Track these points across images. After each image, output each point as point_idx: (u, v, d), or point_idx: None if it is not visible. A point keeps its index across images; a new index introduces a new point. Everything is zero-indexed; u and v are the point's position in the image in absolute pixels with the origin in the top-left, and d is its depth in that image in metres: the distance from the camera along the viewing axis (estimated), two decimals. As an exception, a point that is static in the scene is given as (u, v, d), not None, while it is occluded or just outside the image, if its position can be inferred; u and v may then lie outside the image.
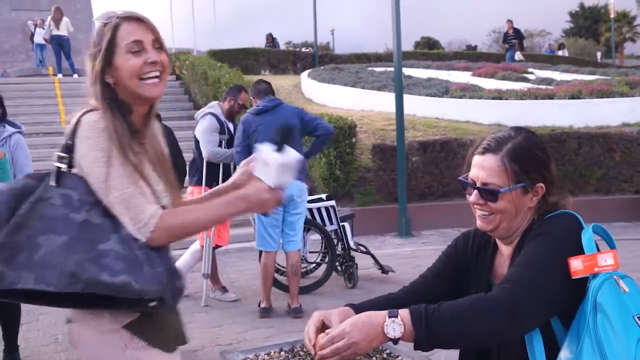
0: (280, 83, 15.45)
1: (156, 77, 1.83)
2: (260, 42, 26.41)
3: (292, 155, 1.85)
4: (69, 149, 1.77)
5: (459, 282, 1.96)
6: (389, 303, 1.89)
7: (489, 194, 1.78)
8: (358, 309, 1.76)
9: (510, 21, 20.96)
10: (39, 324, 5.50)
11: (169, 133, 4.58)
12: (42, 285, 1.61)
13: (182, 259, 6.28)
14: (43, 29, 19.23)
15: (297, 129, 5.47)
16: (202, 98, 14.93)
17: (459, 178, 1.89)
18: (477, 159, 1.83)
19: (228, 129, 6.05)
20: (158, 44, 1.85)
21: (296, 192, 5.44)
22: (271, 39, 22.93)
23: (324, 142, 5.82)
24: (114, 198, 1.71)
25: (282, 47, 29.54)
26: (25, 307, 5.10)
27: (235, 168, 6.15)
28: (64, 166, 1.76)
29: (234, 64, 18.47)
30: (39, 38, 19.63)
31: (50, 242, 1.63)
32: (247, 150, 5.41)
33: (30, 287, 1.62)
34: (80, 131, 1.75)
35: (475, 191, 1.81)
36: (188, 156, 6.24)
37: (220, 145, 5.90)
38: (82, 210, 1.68)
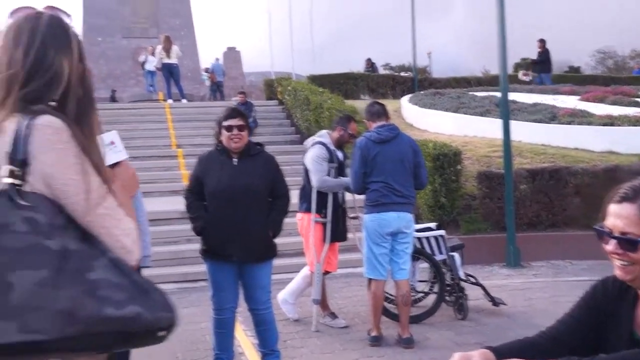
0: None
1: None
2: (357, 64, 26.66)
3: (113, 132, 2.03)
4: (24, 161, 1.48)
5: (597, 330, 1.93)
6: (532, 348, 1.89)
7: (628, 243, 1.75)
8: (499, 352, 1.76)
9: (540, 40, 19.68)
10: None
11: (272, 161, 4.72)
12: (29, 335, 1.34)
13: (294, 283, 6.42)
14: (153, 55, 20.25)
15: (409, 163, 5.50)
16: (304, 123, 15.25)
17: (595, 227, 1.87)
18: (614, 208, 1.80)
19: (337, 157, 6.15)
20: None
21: (404, 223, 5.46)
22: (370, 64, 23.13)
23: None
24: (103, 209, 1.52)
25: (380, 69, 29.70)
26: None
27: (344, 196, 6.24)
28: (18, 182, 1.47)
29: (334, 89, 18.74)
30: (150, 65, 20.67)
31: (24, 280, 1.35)
32: (363, 178, 5.47)
33: (15, 340, 1.33)
34: (41, 137, 1.49)
35: (614, 241, 1.78)
36: (291, 180, 6.38)
37: (329, 174, 6.00)
38: (56, 235, 1.43)
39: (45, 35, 1.64)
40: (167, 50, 18.16)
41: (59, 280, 1.38)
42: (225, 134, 4.50)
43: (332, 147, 6.14)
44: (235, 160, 4.53)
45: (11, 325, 1.32)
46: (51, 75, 1.63)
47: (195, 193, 4.62)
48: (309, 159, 6.08)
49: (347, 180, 5.95)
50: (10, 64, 1.61)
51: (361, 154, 5.48)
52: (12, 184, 1.45)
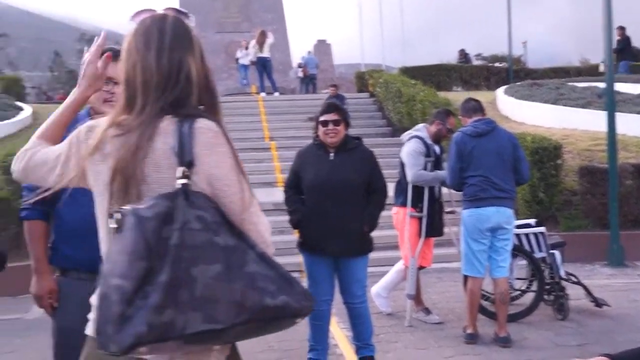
0: (475, 100, 15.15)
1: None
2: (448, 55, 26.19)
3: None
4: (190, 162, 1.59)
5: None
6: None
7: None
8: None
9: (619, 28, 18.34)
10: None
11: (370, 155, 4.71)
12: (211, 324, 1.46)
13: (387, 277, 6.40)
14: (246, 49, 20.65)
15: (508, 157, 5.35)
16: (396, 115, 15.13)
17: None
18: None
19: (434, 152, 6.05)
20: None
21: (504, 219, 5.31)
22: (464, 55, 22.67)
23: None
24: (253, 207, 1.65)
25: (473, 60, 29.05)
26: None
27: (440, 190, 6.15)
28: (189, 182, 1.58)
29: (426, 81, 18.47)
30: (244, 60, 21.07)
31: (204, 274, 1.47)
32: (460, 174, 5.38)
33: (198, 329, 1.46)
34: (203, 140, 1.61)
35: None
36: (385, 173, 6.31)
37: (425, 168, 5.92)
38: (220, 232, 1.55)
39: (173, 38, 1.70)
40: (261, 44, 18.48)
41: (230, 274, 1.49)
42: (321, 129, 4.57)
43: (429, 141, 6.06)
44: (331, 154, 4.57)
45: (197, 315, 1.44)
46: (185, 78, 1.69)
47: (294, 187, 4.68)
48: (405, 153, 6.02)
49: (443, 174, 5.85)
50: (144, 67, 1.67)
51: (457, 149, 5.37)
52: (186, 184, 1.56)
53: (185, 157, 1.58)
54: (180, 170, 1.57)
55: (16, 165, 1.89)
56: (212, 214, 1.55)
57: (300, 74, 25.11)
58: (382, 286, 6.44)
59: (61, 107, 2.00)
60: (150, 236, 1.47)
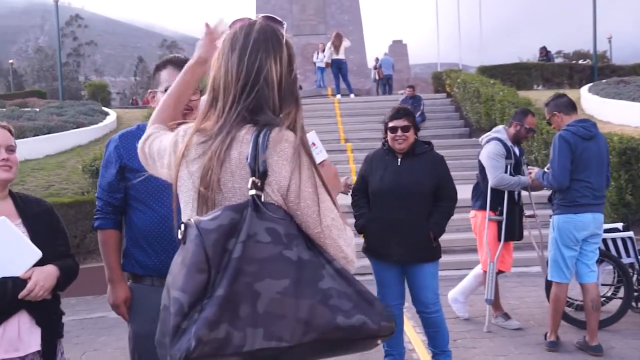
0: (556, 99, 14.70)
1: None
2: (526, 53, 25.46)
3: (311, 132, 1.93)
4: (264, 173, 1.53)
5: None
6: None
7: None
8: None
9: None
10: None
11: (439, 162, 4.60)
12: (273, 342, 1.40)
13: (465, 281, 6.29)
14: (323, 52, 20.79)
15: (606, 163, 5.20)
16: (474, 116, 14.87)
17: None
18: None
19: (514, 153, 5.89)
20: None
21: (598, 224, 5.12)
22: (545, 52, 21.95)
23: None
24: (331, 221, 1.56)
25: (553, 58, 28.13)
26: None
27: (520, 194, 5.97)
28: (259, 193, 1.52)
29: (505, 80, 18.08)
30: (321, 62, 21.23)
31: (269, 289, 1.41)
32: (568, 174, 5.11)
33: (258, 346, 1.39)
34: (278, 150, 1.55)
35: None
36: (460, 175, 6.19)
37: (506, 170, 5.77)
38: (293, 246, 1.48)
39: (256, 41, 1.67)
40: (337, 47, 18.56)
41: (298, 290, 1.43)
42: (389, 134, 4.49)
43: (509, 143, 5.90)
44: (399, 159, 4.50)
45: (258, 332, 1.39)
46: (264, 81, 1.64)
47: (361, 191, 4.63)
48: (485, 156, 5.88)
49: (525, 179, 5.68)
50: (226, 70, 1.67)
51: (569, 148, 5.07)
52: (256, 195, 1.51)
53: (258, 167, 1.53)
54: (251, 180, 1.52)
55: (142, 160, 1.87)
56: (285, 226, 1.49)
57: (375, 75, 25.03)
58: (459, 291, 6.33)
59: (177, 81, 1.96)
60: (210, 249, 1.42)
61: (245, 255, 1.42)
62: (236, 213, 1.47)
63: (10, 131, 2.68)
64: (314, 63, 22.36)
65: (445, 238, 8.12)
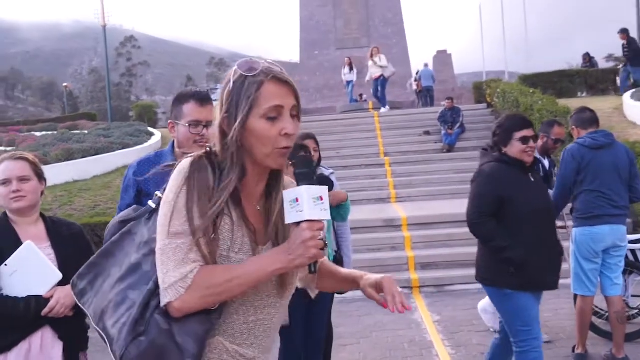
0: (599, 106, 14.45)
1: (286, 148, 1.63)
2: (576, 58, 24.97)
3: (316, 186, 1.62)
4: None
5: None
6: None
7: None
8: None
9: (622, 31, 16.76)
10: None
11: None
12: (90, 312, 1.67)
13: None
14: (349, 66, 21.00)
15: (625, 173, 5.15)
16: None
17: None
18: None
19: (543, 166, 5.92)
20: (296, 111, 1.65)
21: (619, 236, 5.12)
22: (588, 59, 21.57)
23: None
24: (162, 244, 1.57)
25: (603, 62, 27.59)
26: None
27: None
28: (154, 205, 1.72)
29: (547, 88, 17.87)
30: (349, 77, 21.38)
31: (113, 274, 1.67)
32: (571, 187, 5.17)
33: (89, 311, 1.68)
34: (173, 173, 1.65)
35: None
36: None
37: (534, 182, 5.80)
38: (140, 251, 1.66)
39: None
40: (374, 61, 18.77)
41: (116, 285, 1.65)
42: (519, 146, 3.93)
43: (537, 156, 5.93)
44: (530, 175, 4.03)
45: (94, 300, 1.69)
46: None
47: (492, 216, 3.95)
48: None
49: (553, 193, 5.72)
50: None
51: (573, 160, 5.14)
52: (153, 207, 1.73)
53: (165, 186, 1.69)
54: (157, 194, 1.73)
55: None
56: (150, 236, 1.67)
57: (414, 87, 25.01)
58: (488, 302, 6.36)
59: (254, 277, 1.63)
60: (108, 236, 1.80)
61: (118, 242, 1.74)
62: (136, 213, 1.79)
63: (28, 160, 2.93)
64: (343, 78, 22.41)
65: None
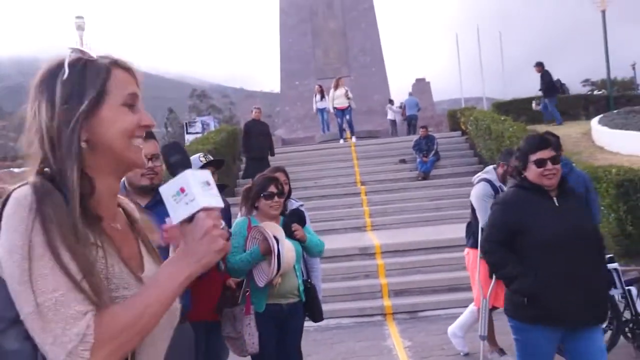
0: (567, 132, 14.92)
1: (142, 140, 1.43)
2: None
3: (200, 170, 1.38)
4: None
5: None
6: None
7: None
8: None
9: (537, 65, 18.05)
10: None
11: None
12: None
13: (463, 316, 6.51)
14: (320, 93, 21.23)
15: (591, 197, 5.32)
16: (487, 152, 15.11)
17: None
18: None
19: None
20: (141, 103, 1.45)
21: None
22: (559, 85, 22.12)
23: None
24: (31, 307, 1.17)
25: (579, 87, 28.15)
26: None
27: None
28: None
29: (521, 114, 18.30)
30: (321, 104, 21.52)
31: None
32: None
33: None
34: (5, 211, 1.24)
35: None
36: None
37: (494, 210, 6.02)
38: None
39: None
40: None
41: None
42: (535, 169, 3.69)
43: (497, 184, 6.17)
44: (554, 199, 3.73)
45: None
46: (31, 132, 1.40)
47: (503, 244, 3.78)
48: (474, 197, 6.16)
49: None
50: None
51: None
52: None
53: None
54: None
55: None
56: (1, 307, 1.23)
57: (393, 116, 25.30)
58: (457, 326, 6.55)
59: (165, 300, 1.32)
60: None
61: None
62: None
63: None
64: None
65: (456, 275, 8.43)
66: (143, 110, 1.42)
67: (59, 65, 1.36)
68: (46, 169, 1.31)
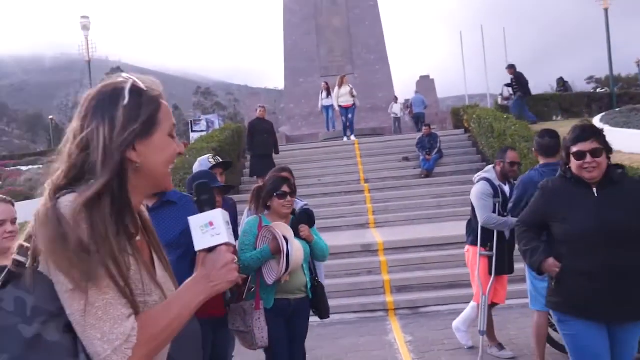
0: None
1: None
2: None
3: (216, 211, 1.61)
4: (31, 236, 1.40)
5: None
6: None
7: None
8: None
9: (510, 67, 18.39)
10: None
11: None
12: None
13: (466, 312, 6.66)
14: (327, 90, 21.35)
15: None
16: (490, 150, 15.23)
17: None
18: None
19: (502, 192, 6.27)
20: None
21: None
22: (562, 83, 22.24)
23: None
24: (82, 304, 1.31)
25: (584, 84, 28.15)
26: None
27: (512, 230, 6.35)
28: (24, 260, 1.39)
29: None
30: (327, 101, 21.68)
31: None
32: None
33: None
34: (38, 217, 1.38)
35: None
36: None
37: (494, 208, 6.17)
38: (35, 321, 1.31)
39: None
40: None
41: None
42: (574, 162, 3.59)
43: (496, 182, 6.30)
44: (594, 190, 3.59)
45: None
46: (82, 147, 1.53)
47: (531, 225, 3.88)
48: (474, 196, 6.30)
49: (514, 221, 6.07)
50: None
51: (523, 190, 5.47)
52: (17, 260, 1.41)
53: (28, 232, 1.42)
54: (18, 243, 1.44)
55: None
56: (38, 298, 1.34)
57: (397, 113, 25.36)
58: (460, 321, 6.69)
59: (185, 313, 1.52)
60: None
61: None
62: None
63: (12, 204, 3.29)
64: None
65: (457, 272, 8.57)
66: (177, 139, 1.59)
67: (116, 90, 1.50)
68: (92, 180, 1.42)
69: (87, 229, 1.34)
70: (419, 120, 23.78)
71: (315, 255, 4.82)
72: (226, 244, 1.55)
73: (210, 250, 1.55)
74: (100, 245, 1.35)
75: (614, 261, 3.47)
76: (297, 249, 4.44)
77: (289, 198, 4.66)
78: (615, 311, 3.53)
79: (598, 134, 3.63)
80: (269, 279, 4.41)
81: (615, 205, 3.51)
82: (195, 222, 1.58)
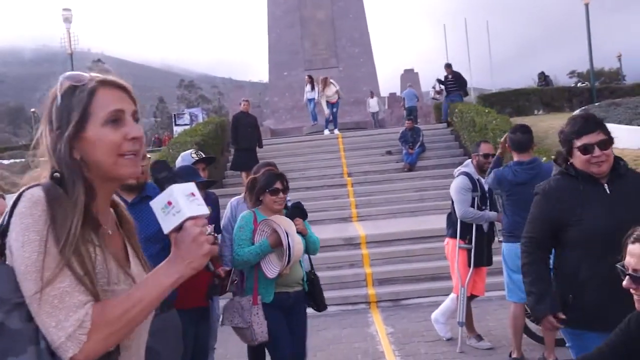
0: (551, 124, 15.16)
1: (134, 154, 1.55)
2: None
3: (184, 183, 1.55)
4: (4, 231, 1.44)
5: (629, 356, 2.20)
6: None
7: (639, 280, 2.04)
8: None
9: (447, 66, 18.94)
10: None
11: None
12: None
13: (444, 304, 6.78)
14: (311, 84, 21.42)
15: None
16: (471, 145, 15.39)
17: (617, 265, 2.17)
18: (630, 248, 2.11)
19: (481, 186, 6.40)
20: (136, 116, 1.58)
21: None
22: (543, 78, 22.52)
23: None
24: (38, 293, 1.36)
25: (565, 78, 28.40)
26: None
27: (491, 224, 6.47)
28: None
29: (505, 107, 18.61)
30: (311, 94, 21.75)
31: None
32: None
33: None
34: (18, 208, 1.43)
35: (627, 277, 2.09)
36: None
37: (473, 202, 6.29)
38: (1, 310, 1.38)
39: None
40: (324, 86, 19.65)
41: None
42: (581, 156, 3.23)
43: (475, 176, 6.42)
44: (605, 186, 3.25)
45: None
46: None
47: (541, 240, 3.42)
48: (453, 190, 6.42)
49: (491, 215, 6.22)
50: None
51: (496, 184, 5.72)
52: None
53: (3, 226, 1.46)
54: None
55: None
56: (5, 289, 1.40)
57: (374, 109, 25.45)
58: (439, 312, 6.82)
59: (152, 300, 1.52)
60: None
61: None
62: None
63: (3, 197, 3.31)
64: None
65: (438, 265, 8.69)
66: (131, 122, 1.55)
67: (54, 93, 1.55)
68: (56, 174, 1.49)
69: (47, 220, 1.40)
70: (411, 113, 23.91)
71: (308, 248, 4.87)
72: (189, 218, 1.48)
73: (179, 229, 1.49)
74: (60, 236, 1.40)
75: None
76: (297, 242, 4.51)
77: (281, 195, 4.68)
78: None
79: (602, 125, 3.29)
80: (271, 272, 4.46)
81: (628, 202, 3.17)
82: (156, 205, 1.52)
